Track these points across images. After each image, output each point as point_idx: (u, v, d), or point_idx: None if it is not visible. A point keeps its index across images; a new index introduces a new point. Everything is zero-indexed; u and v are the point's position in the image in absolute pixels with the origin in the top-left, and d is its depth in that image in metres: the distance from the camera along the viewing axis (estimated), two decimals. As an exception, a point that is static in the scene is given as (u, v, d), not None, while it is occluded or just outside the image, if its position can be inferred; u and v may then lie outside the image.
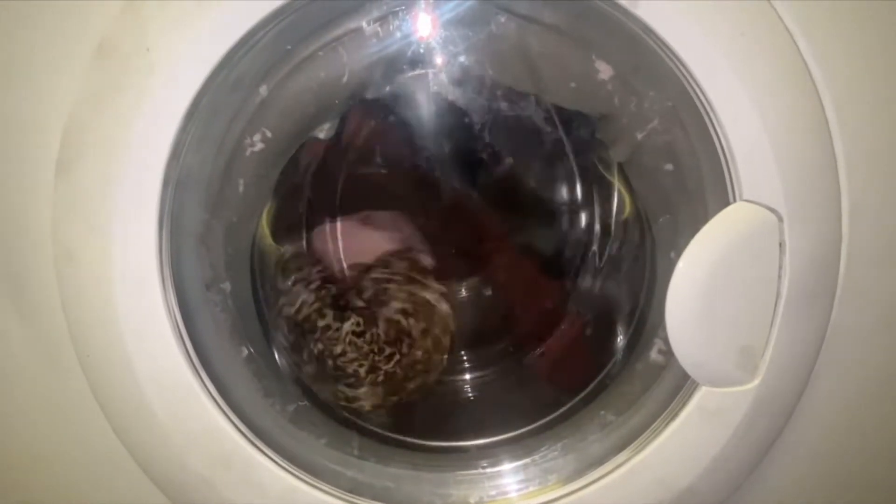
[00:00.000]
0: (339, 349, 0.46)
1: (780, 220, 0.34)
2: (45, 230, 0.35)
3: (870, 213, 0.36)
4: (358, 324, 0.46)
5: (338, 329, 0.46)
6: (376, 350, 0.46)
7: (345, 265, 0.52)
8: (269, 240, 0.52)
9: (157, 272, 0.34)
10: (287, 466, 0.37)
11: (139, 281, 0.34)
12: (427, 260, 0.51)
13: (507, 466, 0.43)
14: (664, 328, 0.35)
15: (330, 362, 0.46)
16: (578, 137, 0.51)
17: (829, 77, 0.34)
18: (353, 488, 0.39)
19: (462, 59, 0.43)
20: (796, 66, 0.34)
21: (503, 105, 0.49)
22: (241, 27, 0.33)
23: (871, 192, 0.36)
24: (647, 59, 0.35)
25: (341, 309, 0.47)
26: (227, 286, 0.42)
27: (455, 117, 0.50)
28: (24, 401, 0.40)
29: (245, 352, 0.42)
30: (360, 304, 0.47)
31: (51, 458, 0.41)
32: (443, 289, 0.49)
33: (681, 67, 0.33)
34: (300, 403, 0.45)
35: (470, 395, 0.58)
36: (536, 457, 0.43)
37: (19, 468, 0.42)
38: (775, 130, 0.33)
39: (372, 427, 0.50)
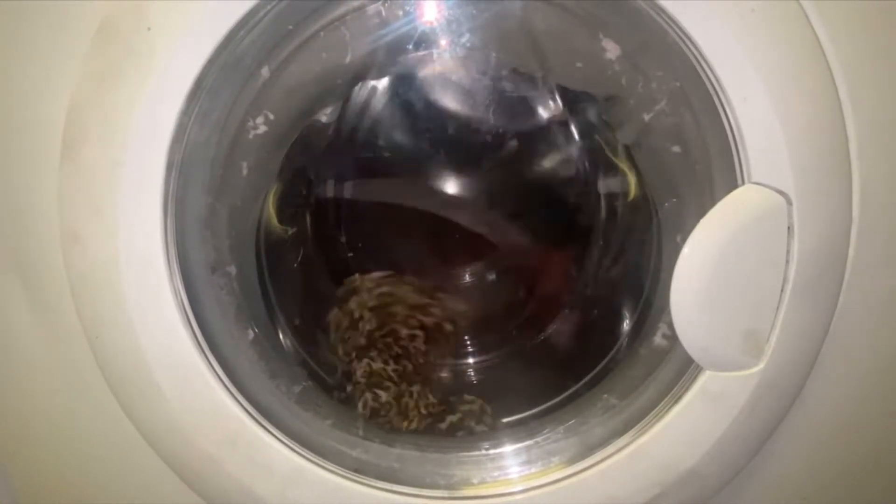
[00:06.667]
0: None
1: (790, 203, 0.33)
2: (51, 213, 0.35)
3: (881, 197, 0.36)
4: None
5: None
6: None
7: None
8: (275, 221, 0.52)
9: (162, 255, 0.34)
10: (293, 446, 0.38)
11: (145, 264, 0.34)
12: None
13: (508, 448, 0.43)
14: (669, 312, 0.35)
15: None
16: (584, 119, 0.51)
17: (842, 55, 0.33)
18: (359, 468, 0.39)
19: (467, 38, 0.42)
20: (809, 43, 0.33)
21: (508, 86, 0.48)
22: (242, 6, 0.32)
23: (883, 176, 0.35)
24: (654, 37, 0.34)
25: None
26: (232, 269, 0.42)
27: (459, 98, 0.49)
28: (35, 382, 0.41)
29: (251, 334, 0.43)
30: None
31: (62, 437, 0.42)
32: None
33: (689, 45, 0.33)
34: (305, 384, 0.45)
35: (473, 378, 0.59)
36: (539, 439, 0.43)
37: (30, 447, 0.43)
38: (786, 111, 0.32)
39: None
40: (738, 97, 0.32)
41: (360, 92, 0.51)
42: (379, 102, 0.52)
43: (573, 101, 0.49)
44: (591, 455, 0.39)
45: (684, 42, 0.33)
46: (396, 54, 0.43)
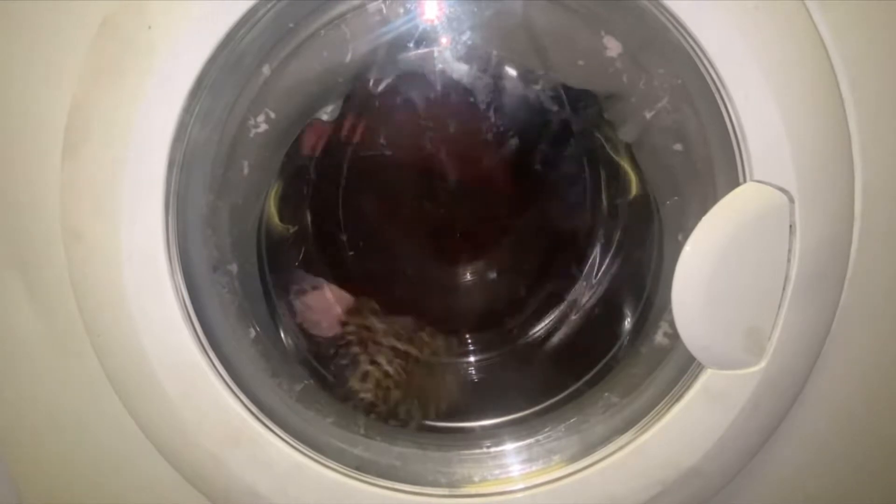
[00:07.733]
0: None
1: (792, 201, 0.33)
2: (53, 211, 0.35)
3: (883, 195, 0.36)
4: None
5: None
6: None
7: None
8: (276, 219, 0.52)
9: (164, 254, 0.34)
10: (294, 444, 0.38)
11: (147, 263, 0.34)
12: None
13: (510, 446, 0.43)
14: (670, 311, 0.35)
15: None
16: (586, 117, 0.51)
17: (845, 53, 0.33)
18: (360, 466, 0.39)
19: (468, 36, 0.42)
20: (811, 41, 0.33)
21: (509, 84, 0.48)
22: (243, 4, 0.32)
23: (885, 173, 0.35)
24: (656, 35, 0.34)
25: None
26: (233, 268, 0.42)
27: (460, 97, 0.49)
28: (37, 380, 0.41)
29: (252, 332, 0.43)
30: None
31: (64, 435, 0.42)
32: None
33: (691, 43, 0.33)
34: (307, 383, 0.45)
35: (475, 377, 0.59)
36: (540, 437, 0.43)
37: (33, 445, 0.43)
38: (788, 108, 0.32)
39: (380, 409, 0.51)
40: (741, 95, 0.32)
41: (360, 90, 0.50)
42: (380, 101, 0.52)
43: (574, 98, 0.49)
44: (592, 453, 0.39)
45: (686, 39, 0.33)
46: (397, 52, 0.43)
